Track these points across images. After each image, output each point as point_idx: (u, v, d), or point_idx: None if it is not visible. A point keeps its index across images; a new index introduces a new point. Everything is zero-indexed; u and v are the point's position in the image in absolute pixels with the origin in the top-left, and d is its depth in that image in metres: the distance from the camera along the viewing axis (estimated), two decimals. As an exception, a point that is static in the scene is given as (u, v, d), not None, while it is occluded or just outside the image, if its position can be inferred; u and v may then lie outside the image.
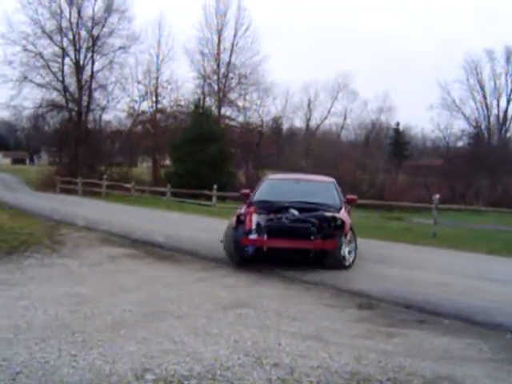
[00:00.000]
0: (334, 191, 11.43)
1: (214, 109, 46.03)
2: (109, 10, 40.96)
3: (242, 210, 10.17)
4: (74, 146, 40.27)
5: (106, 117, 45.52)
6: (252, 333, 5.78)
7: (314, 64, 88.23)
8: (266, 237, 9.48)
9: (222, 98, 46.39)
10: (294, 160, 44.73)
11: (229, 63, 46.73)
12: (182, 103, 46.69)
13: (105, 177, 33.33)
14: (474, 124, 56.14)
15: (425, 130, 72.47)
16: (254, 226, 9.47)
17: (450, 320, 6.72)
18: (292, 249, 9.56)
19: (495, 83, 56.13)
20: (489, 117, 55.78)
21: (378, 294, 7.87)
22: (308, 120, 55.32)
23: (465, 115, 56.09)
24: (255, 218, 9.57)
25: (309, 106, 54.68)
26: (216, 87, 46.85)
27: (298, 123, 57.30)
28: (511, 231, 16.91)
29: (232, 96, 47.36)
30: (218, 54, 46.78)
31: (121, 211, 21.08)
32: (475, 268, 10.46)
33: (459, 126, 57.29)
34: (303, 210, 10.06)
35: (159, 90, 46.33)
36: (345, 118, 57.31)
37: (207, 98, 47.01)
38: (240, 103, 47.28)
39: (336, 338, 5.79)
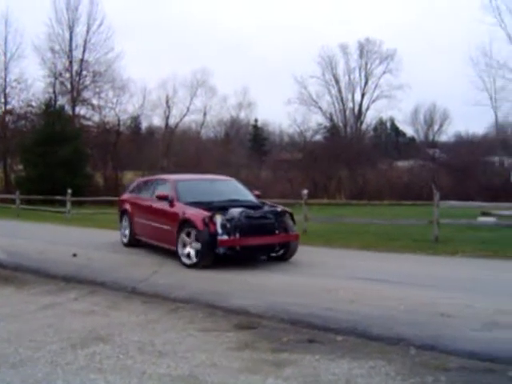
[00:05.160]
0: (245, 189, 11.83)
1: (67, 108, 43.45)
2: None
3: (194, 212, 9.87)
4: None
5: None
6: (109, 381, 4.53)
7: (170, 60, 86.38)
8: (238, 236, 9.50)
9: (75, 97, 43.84)
10: (155, 159, 43.07)
11: (82, 60, 44.21)
12: (34, 103, 43.54)
13: None
14: (330, 118, 57.21)
15: (282, 125, 72.69)
16: (219, 228, 9.43)
17: (344, 336, 5.81)
18: (262, 245, 9.93)
19: (349, 77, 57.63)
20: (344, 110, 57.10)
21: (258, 309, 6.81)
22: (167, 118, 53.39)
23: (321, 109, 56.91)
24: (219, 219, 9.49)
25: (167, 103, 52.69)
26: (69, 85, 44.16)
27: (157, 121, 55.21)
28: (378, 223, 16.71)
29: (86, 94, 44.93)
30: (70, 50, 44.11)
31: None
32: (357, 267, 9.72)
33: (316, 120, 57.75)
34: (244, 208, 10.11)
35: (7, 90, 42.97)
36: (204, 115, 56.11)
37: (60, 97, 44.24)
38: (95, 102, 44.84)
39: (216, 376, 4.67)
